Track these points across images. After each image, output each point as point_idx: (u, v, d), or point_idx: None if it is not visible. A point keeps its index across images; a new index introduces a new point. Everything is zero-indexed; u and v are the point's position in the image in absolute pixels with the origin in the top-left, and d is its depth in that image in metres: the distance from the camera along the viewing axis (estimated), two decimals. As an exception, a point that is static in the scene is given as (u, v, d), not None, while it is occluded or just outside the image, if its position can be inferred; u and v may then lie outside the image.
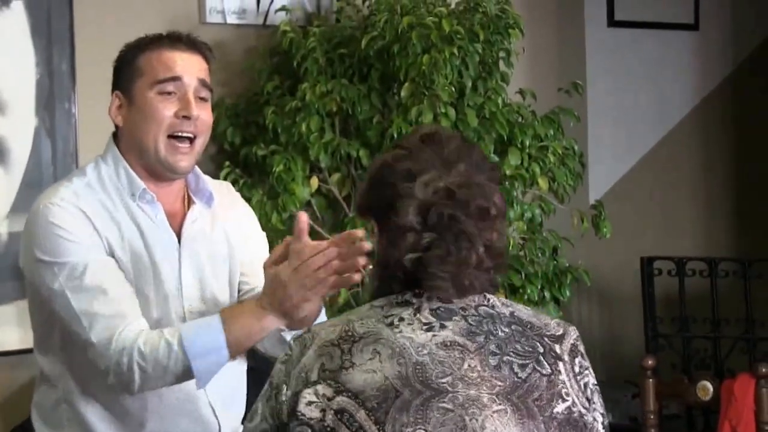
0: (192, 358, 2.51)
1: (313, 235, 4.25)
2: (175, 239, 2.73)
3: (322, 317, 2.67)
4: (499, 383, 1.99)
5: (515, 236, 4.48)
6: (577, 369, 2.07)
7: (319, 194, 4.39)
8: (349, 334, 1.99)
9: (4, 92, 4.00)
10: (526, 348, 2.03)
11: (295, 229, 2.51)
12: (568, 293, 4.58)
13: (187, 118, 2.67)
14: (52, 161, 4.07)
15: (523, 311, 2.10)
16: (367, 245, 2.41)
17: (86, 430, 2.71)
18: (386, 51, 4.31)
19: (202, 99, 2.71)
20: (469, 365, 1.98)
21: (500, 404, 1.97)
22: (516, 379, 2.00)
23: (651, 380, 4.46)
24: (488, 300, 2.06)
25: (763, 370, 4.38)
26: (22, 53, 4.04)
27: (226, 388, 2.78)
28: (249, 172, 4.29)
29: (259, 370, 3.79)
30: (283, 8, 4.52)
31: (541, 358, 2.04)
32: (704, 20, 6.25)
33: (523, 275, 4.43)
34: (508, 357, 2.01)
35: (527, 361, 2.02)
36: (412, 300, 2.02)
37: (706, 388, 4.45)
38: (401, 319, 2.00)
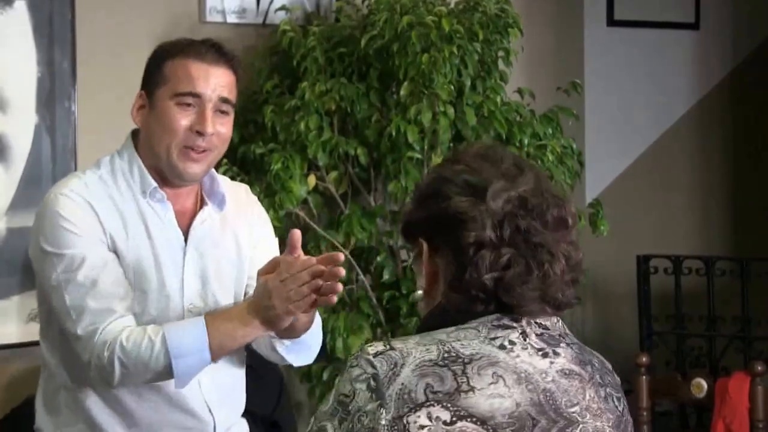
0: (173, 357, 2.52)
1: (310, 232, 4.29)
2: (182, 238, 2.74)
3: (316, 328, 2.70)
4: (611, 416, 1.92)
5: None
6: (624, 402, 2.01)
7: (316, 192, 4.38)
8: (453, 354, 1.83)
9: (5, 90, 4.01)
10: (617, 380, 1.98)
11: (288, 245, 2.51)
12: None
13: (200, 133, 2.67)
14: (52, 158, 4.07)
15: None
16: (342, 271, 2.44)
17: (83, 417, 2.72)
18: (385, 50, 4.31)
19: (223, 112, 2.70)
20: (589, 395, 1.90)
21: None
22: (618, 412, 1.94)
23: (644, 377, 4.46)
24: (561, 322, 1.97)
25: (759, 368, 4.38)
26: (23, 52, 4.03)
27: (223, 385, 2.78)
28: (247, 170, 4.28)
29: (256, 368, 3.82)
30: (282, 8, 4.52)
31: (617, 385, 1.98)
32: (705, 19, 6.25)
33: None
34: (609, 389, 1.94)
35: (620, 394, 1.96)
36: (513, 324, 1.88)
37: (700, 386, 4.45)
38: (512, 343, 1.86)
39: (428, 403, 1.80)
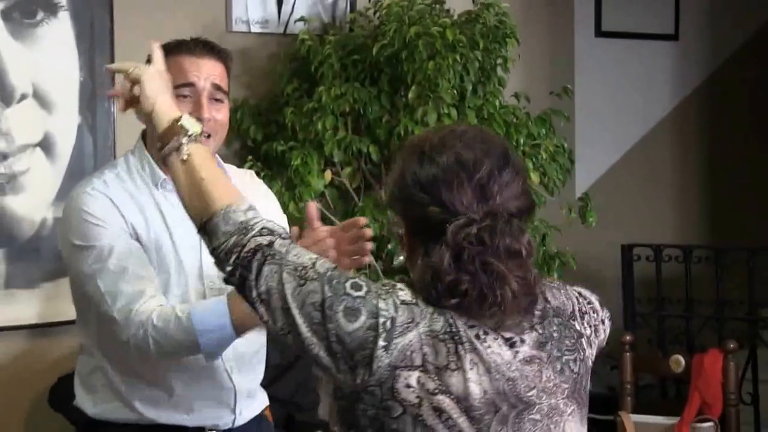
0: (199, 334, 2.48)
1: (326, 222, 4.27)
2: None
3: None
4: (566, 385, 1.92)
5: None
6: (590, 331, 2.00)
7: (332, 186, 4.37)
8: (453, 332, 1.85)
9: (51, 93, 4.00)
10: (572, 341, 1.95)
11: (307, 217, 2.50)
12: (556, 276, 4.55)
13: (198, 120, 2.65)
14: (93, 154, 4.06)
15: (552, 294, 1.98)
16: (369, 231, 2.39)
17: (117, 395, 2.70)
18: (395, 57, 4.29)
19: (218, 100, 2.68)
20: (546, 376, 1.90)
21: (570, 405, 1.93)
22: (574, 375, 1.94)
23: (628, 354, 4.45)
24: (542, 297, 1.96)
25: (731, 346, 4.37)
26: (67, 57, 4.02)
27: (243, 355, 2.75)
28: (269, 166, 4.27)
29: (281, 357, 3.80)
30: (301, 19, 4.50)
31: (577, 345, 1.96)
32: (683, 31, 6.24)
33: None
34: (566, 357, 1.93)
35: (575, 355, 1.95)
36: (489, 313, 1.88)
37: (678, 362, 4.43)
38: (486, 333, 1.86)
39: (421, 369, 1.83)
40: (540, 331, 1.92)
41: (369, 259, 2.47)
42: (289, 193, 4.13)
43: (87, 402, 2.76)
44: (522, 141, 4.45)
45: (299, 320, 1.86)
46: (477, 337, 1.86)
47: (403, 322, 1.84)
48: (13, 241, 3.93)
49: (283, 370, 3.91)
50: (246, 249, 1.93)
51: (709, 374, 4.36)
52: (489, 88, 4.47)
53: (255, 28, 4.49)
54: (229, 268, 1.96)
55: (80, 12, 4.03)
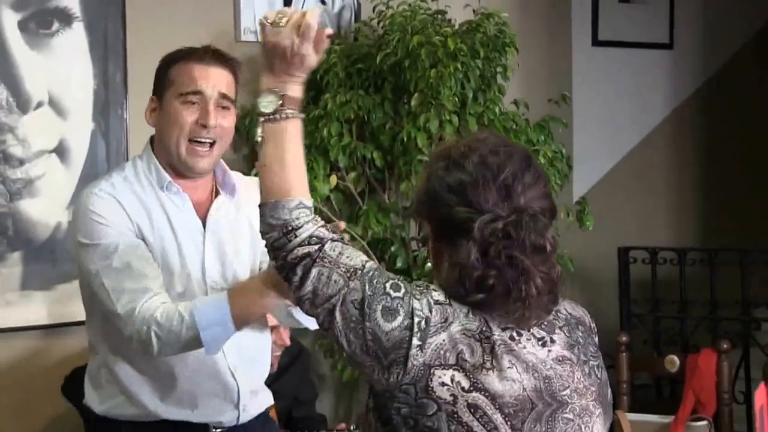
0: (201, 328, 2.50)
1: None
2: (201, 224, 2.73)
3: None
4: (593, 389, 1.94)
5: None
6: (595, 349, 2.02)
7: (338, 190, 4.38)
8: (487, 334, 1.86)
9: (66, 100, 4.02)
10: (594, 348, 1.97)
11: None
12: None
13: (204, 126, 2.67)
14: (106, 159, 4.08)
15: (572, 306, 2.01)
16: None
17: (122, 389, 2.71)
18: (398, 66, 4.31)
19: (224, 107, 2.70)
20: (577, 377, 1.91)
21: (598, 408, 1.94)
22: (598, 380, 1.95)
23: (625, 354, 4.46)
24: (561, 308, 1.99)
25: (724, 346, 4.38)
26: (81, 66, 4.04)
27: (246, 354, 2.77)
28: (277, 171, 4.28)
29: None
30: (308, 28, 4.52)
31: (598, 354, 1.99)
32: (678, 41, 6.25)
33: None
34: (591, 362, 1.95)
35: (598, 361, 1.97)
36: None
37: (673, 361, 4.44)
38: (519, 334, 1.88)
39: (455, 367, 1.83)
40: (567, 334, 1.94)
41: None
42: (296, 198, 4.14)
43: (94, 399, 2.77)
44: (521, 147, 4.45)
45: (338, 318, 1.87)
46: (511, 338, 1.87)
47: (437, 321, 1.85)
48: (30, 244, 3.96)
49: (285, 367, 3.92)
50: (292, 255, 1.92)
51: (703, 374, 4.38)
52: (489, 96, 4.48)
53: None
54: (275, 263, 1.97)
55: (94, 22, 4.05)
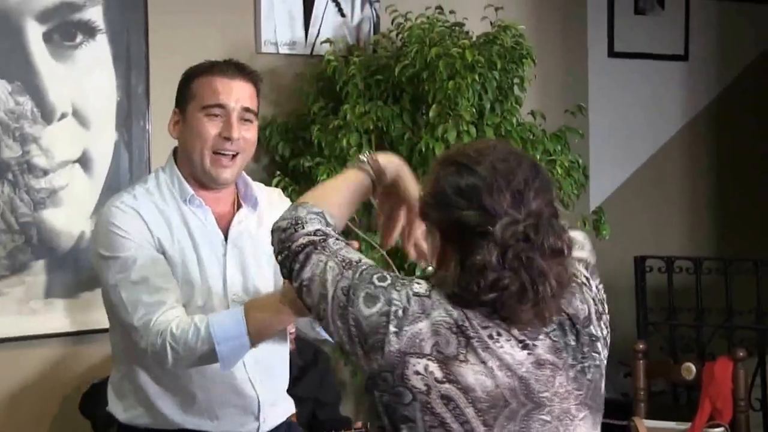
0: (216, 342, 2.48)
1: (351, 235, 4.28)
2: (222, 237, 2.71)
3: None
4: (579, 392, 1.92)
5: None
6: (606, 332, 2.00)
7: (357, 200, 4.37)
8: (464, 327, 1.86)
9: (89, 111, 4.02)
10: (585, 349, 1.94)
11: None
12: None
13: (227, 139, 2.65)
14: (129, 170, 4.08)
15: (567, 301, 1.96)
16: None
17: (144, 401, 2.70)
18: (416, 77, 4.29)
19: (247, 120, 2.69)
20: (559, 382, 1.90)
21: (583, 411, 1.93)
22: (587, 382, 1.93)
23: (641, 361, 4.43)
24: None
25: (740, 354, 4.35)
26: (105, 78, 4.05)
27: (265, 363, 2.74)
28: (296, 181, 4.27)
29: (302, 354, 3.79)
30: (327, 40, 4.52)
31: (592, 351, 1.96)
32: (693, 52, 6.22)
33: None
34: (581, 364, 1.93)
35: (589, 362, 1.94)
36: (501, 320, 1.89)
37: (689, 369, 4.42)
38: (499, 334, 1.87)
39: (430, 357, 1.84)
40: (555, 339, 1.92)
41: None
42: (316, 207, 4.13)
43: (118, 407, 2.76)
44: (538, 157, 4.43)
45: (329, 304, 1.91)
46: (490, 336, 1.87)
47: (415, 311, 1.87)
48: (53, 253, 3.95)
49: (304, 370, 3.90)
50: (297, 244, 1.97)
51: (719, 381, 4.35)
52: (506, 107, 4.46)
53: (283, 50, 4.51)
54: (279, 258, 2.01)
55: (117, 35, 4.05)
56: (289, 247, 1.98)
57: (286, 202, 2.91)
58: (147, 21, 4.13)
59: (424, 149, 4.20)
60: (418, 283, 1.91)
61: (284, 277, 2.03)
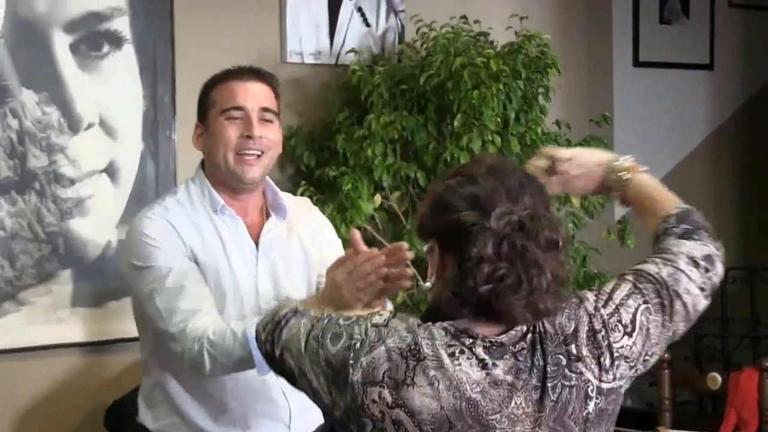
0: (253, 347, 2.45)
1: (376, 244, 4.28)
2: (254, 246, 2.72)
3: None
4: (540, 414, 1.87)
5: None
6: (599, 351, 1.91)
7: (382, 210, 4.36)
8: (416, 350, 1.85)
9: (116, 121, 4.03)
10: (552, 368, 1.89)
11: (350, 243, 2.47)
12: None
13: (249, 137, 2.66)
14: (155, 179, 4.08)
15: (554, 319, 1.92)
16: (409, 254, 2.35)
17: (175, 410, 2.71)
18: (441, 87, 4.29)
19: (267, 120, 2.70)
20: (515, 402, 1.86)
21: None
22: (551, 403, 1.87)
23: (666, 371, 4.41)
24: (539, 324, 1.91)
25: (766, 364, 4.32)
26: (131, 88, 4.06)
27: None
28: (322, 190, 4.28)
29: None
30: (352, 50, 4.52)
31: (566, 370, 1.89)
32: (718, 61, 6.20)
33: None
34: (547, 384, 1.88)
35: (555, 382, 1.88)
36: (472, 334, 1.87)
37: (715, 379, 4.38)
38: (462, 352, 1.85)
39: (382, 384, 1.85)
40: (520, 359, 1.88)
41: (409, 283, 2.44)
42: (341, 216, 4.13)
43: (148, 417, 2.77)
44: (563, 166, 4.42)
45: (305, 355, 1.94)
46: (451, 355, 1.85)
47: (371, 341, 1.88)
48: (80, 262, 3.96)
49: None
50: (278, 316, 2.05)
51: (745, 391, 4.31)
52: (531, 116, 4.46)
53: (308, 60, 4.51)
54: (261, 347, 2.09)
55: (143, 45, 4.06)
56: (273, 322, 2.04)
57: (315, 211, 2.93)
58: (173, 31, 4.14)
59: (449, 158, 4.20)
60: (379, 315, 1.93)
61: (267, 356, 2.07)
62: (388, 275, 2.37)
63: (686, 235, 2.12)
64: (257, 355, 2.48)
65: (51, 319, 3.92)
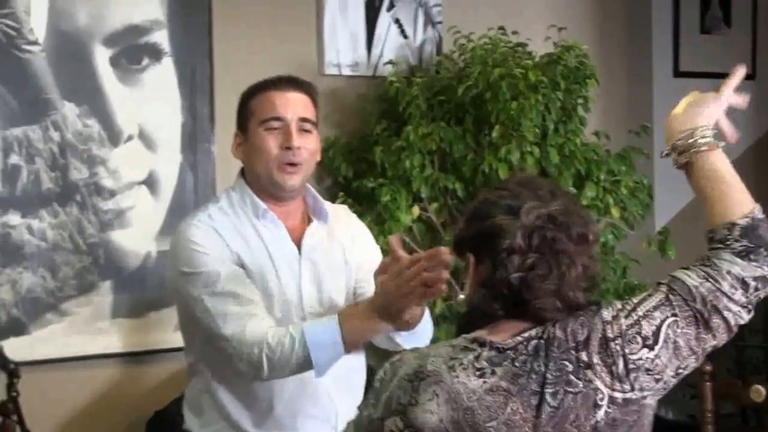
0: (312, 350, 2.50)
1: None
2: (296, 251, 2.74)
3: (427, 319, 2.62)
4: (537, 420, 1.85)
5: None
6: (612, 359, 1.88)
7: (420, 221, 4.35)
8: (420, 371, 1.88)
9: (155, 133, 4.06)
10: (555, 374, 1.87)
11: (390, 249, 2.46)
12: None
13: (288, 148, 2.68)
14: (194, 191, 4.11)
15: (567, 325, 1.90)
16: (449, 256, 2.31)
17: (223, 415, 2.72)
18: (479, 98, 4.28)
19: (306, 131, 2.72)
20: (512, 408, 1.85)
21: None
22: (550, 409, 1.86)
23: (708, 383, 4.37)
24: (550, 330, 1.90)
25: (810, 375, 4.28)
26: (170, 101, 4.09)
27: (343, 376, 2.74)
28: (360, 202, 4.28)
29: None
30: (390, 62, 4.53)
31: (571, 377, 1.87)
32: (760, 71, 6.15)
33: (598, 291, 4.38)
34: (548, 390, 1.86)
35: (557, 388, 1.86)
36: (483, 342, 1.89)
37: (758, 391, 4.33)
38: (461, 364, 1.87)
39: (395, 412, 1.89)
40: (518, 365, 1.87)
41: (445, 287, 2.43)
42: (379, 228, 4.12)
43: (195, 424, 2.78)
44: (602, 177, 4.41)
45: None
46: (451, 368, 1.87)
47: (385, 379, 1.93)
48: (120, 273, 3.99)
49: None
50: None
51: (788, 404, 4.27)
52: (570, 127, 4.44)
53: (346, 71, 4.52)
54: None
55: (182, 58, 4.09)
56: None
57: (353, 217, 2.96)
58: (212, 44, 4.17)
59: (487, 170, 4.19)
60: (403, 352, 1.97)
61: None
62: (428, 279, 2.37)
63: (743, 254, 2.03)
64: (316, 357, 2.51)
65: (92, 330, 3.95)
